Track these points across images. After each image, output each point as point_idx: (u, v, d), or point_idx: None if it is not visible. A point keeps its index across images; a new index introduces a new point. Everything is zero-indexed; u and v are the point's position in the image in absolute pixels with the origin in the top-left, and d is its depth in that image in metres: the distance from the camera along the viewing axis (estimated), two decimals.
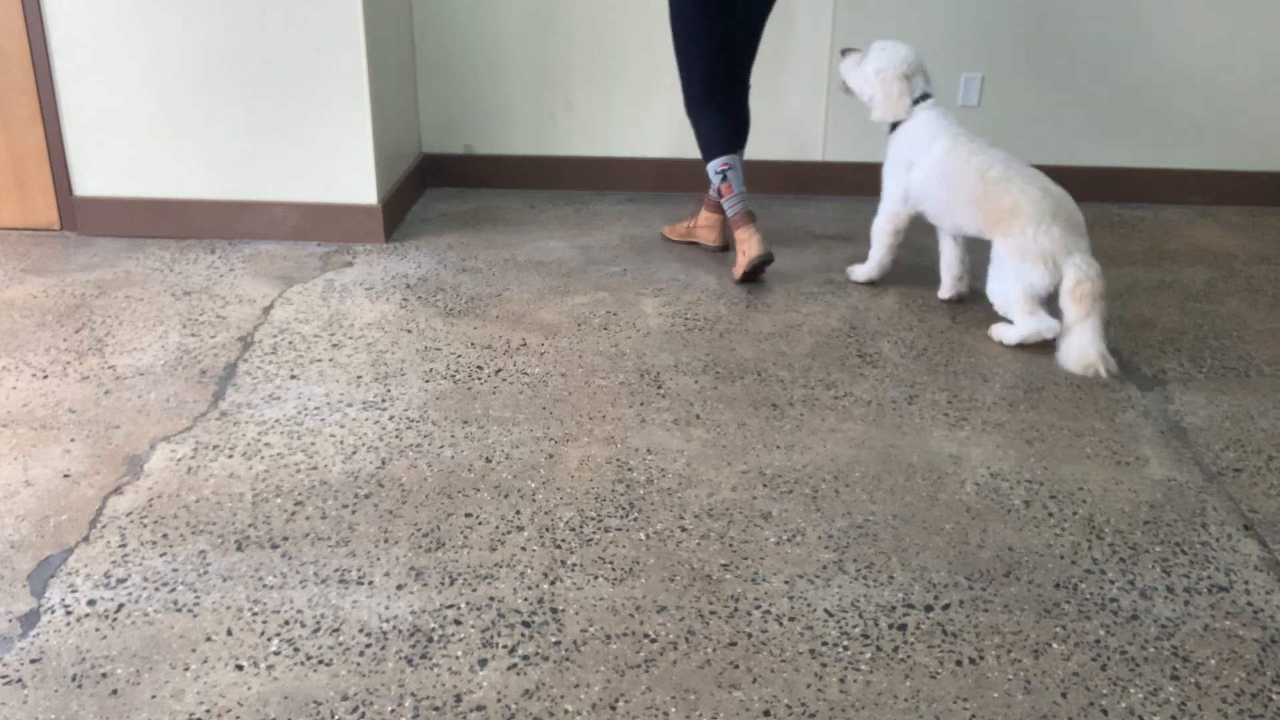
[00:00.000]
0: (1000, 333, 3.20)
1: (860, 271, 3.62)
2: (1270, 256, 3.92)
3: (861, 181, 4.45)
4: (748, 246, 3.52)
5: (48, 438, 2.65)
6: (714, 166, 3.57)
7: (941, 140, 3.28)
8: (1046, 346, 3.17)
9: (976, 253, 3.43)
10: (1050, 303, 3.10)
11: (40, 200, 3.94)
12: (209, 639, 2.01)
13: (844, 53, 3.53)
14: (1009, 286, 3.13)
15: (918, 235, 4.04)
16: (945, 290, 3.51)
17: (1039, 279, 3.06)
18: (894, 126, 3.43)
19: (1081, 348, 3.01)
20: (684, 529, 2.34)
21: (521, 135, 4.48)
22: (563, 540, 2.29)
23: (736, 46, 3.60)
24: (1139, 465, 2.60)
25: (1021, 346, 3.16)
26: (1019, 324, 3.16)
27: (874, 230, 3.56)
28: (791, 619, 2.07)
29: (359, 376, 2.96)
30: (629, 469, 2.55)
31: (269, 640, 2.00)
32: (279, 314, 3.34)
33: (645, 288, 3.56)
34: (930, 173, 3.30)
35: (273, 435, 2.67)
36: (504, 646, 2.00)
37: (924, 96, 3.38)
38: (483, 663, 1.96)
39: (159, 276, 3.61)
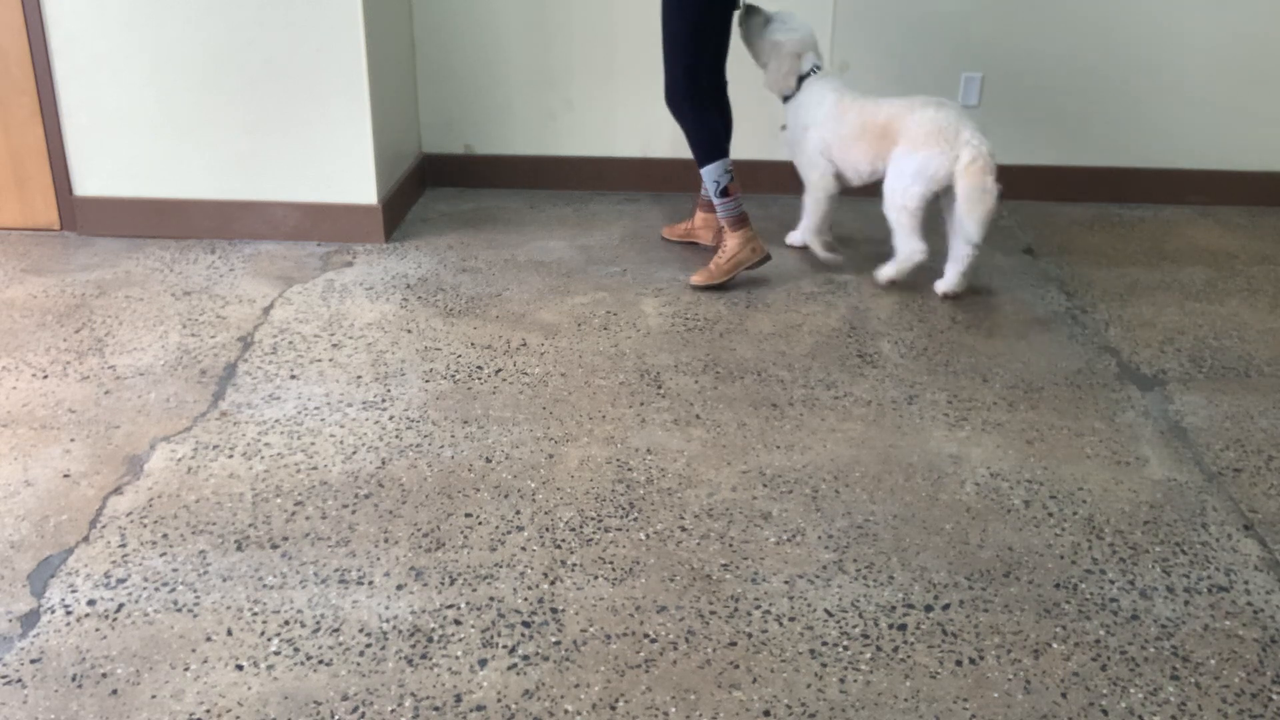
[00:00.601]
0: (883, 273, 3.55)
1: (794, 236, 3.88)
2: (1270, 256, 3.92)
3: None
4: (756, 245, 3.53)
5: (48, 438, 2.65)
6: (724, 165, 3.49)
7: (830, 96, 3.55)
8: (1045, 347, 3.17)
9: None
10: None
11: (40, 200, 3.94)
12: (209, 639, 2.01)
13: (749, 10, 3.61)
14: (910, 181, 3.38)
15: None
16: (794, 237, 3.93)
17: (940, 163, 3.32)
18: (786, 100, 3.68)
19: (975, 197, 3.31)
20: (684, 529, 2.34)
21: (521, 135, 4.48)
22: (563, 540, 2.29)
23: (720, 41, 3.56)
24: (1139, 465, 2.60)
25: (1021, 340, 3.17)
26: (901, 246, 3.47)
27: (807, 199, 3.71)
28: (791, 619, 2.07)
29: (359, 376, 2.96)
30: (629, 469, 2.55)
31: (269, 640, 2.00)
32: (279, 314, 3.34)
33: (645, 288, 3.56)
34: (825, 127, 3.55)
35: (273, 435, 2.67)
36: (504, 646, 2.00)
37: (814, 69, 3.61)
38: (483, 663, 1.96)
39: (159, 276, 3.61)
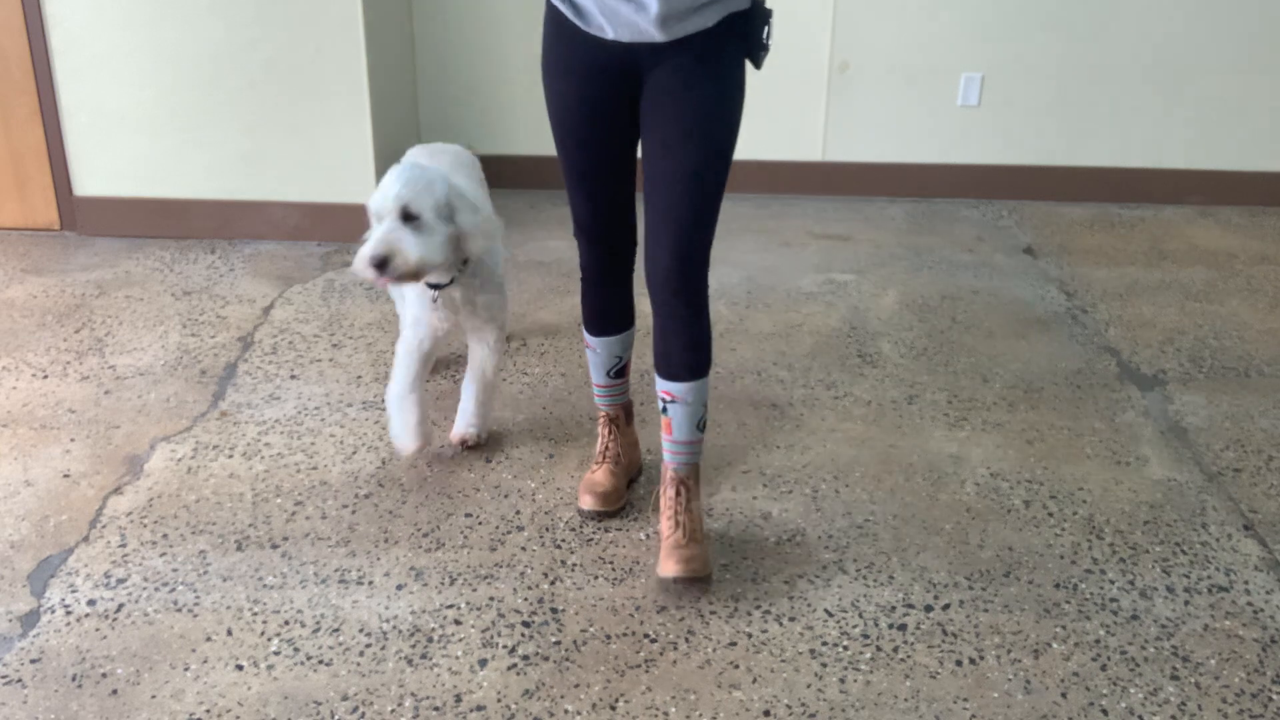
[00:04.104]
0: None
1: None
2: (1270, 256, 3.92)
3: (861, 181, 4.45)
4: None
5: (48, 438, 2.65)
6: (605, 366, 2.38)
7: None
8: (1045, 347, 3.17)
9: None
10: None
11: (40, 200, 3.94)
12: (209, 639, 2.01)
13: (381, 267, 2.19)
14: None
15: (919, 236, 4.04)
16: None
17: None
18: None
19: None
20: None
21: (521, 135, 4.48)
22: (563, 540, 2.29)
23: (660, 181, 2.00)
24: (1139, 465, 2.60)
25: (1021, 340, 3.17)
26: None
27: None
28: (791, 619, 2.07)
29: (359, 376, 2.96)
30: None
31: (269, 640, 2.00)
32: (279, 314, 3.33)
33: (645, 287, 3.55)
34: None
35: (273, 435, 2.67)
36: (504, 646, 2.00)
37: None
38: (483, 663, 1.96)
39: (159, 276, 3.61)
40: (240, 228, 3.93)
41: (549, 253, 3.85)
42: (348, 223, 3.91)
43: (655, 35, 1.91)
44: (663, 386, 2.17)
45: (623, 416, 2.45)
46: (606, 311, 2.31)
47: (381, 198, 2.20)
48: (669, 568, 2.11)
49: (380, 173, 3.88)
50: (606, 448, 2.43)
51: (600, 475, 2.39)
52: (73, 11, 3.68)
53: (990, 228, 4.14)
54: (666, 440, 2.21)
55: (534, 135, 4.48)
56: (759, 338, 3.21)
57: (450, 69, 4.39)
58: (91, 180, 3.91)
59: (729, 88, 1.98)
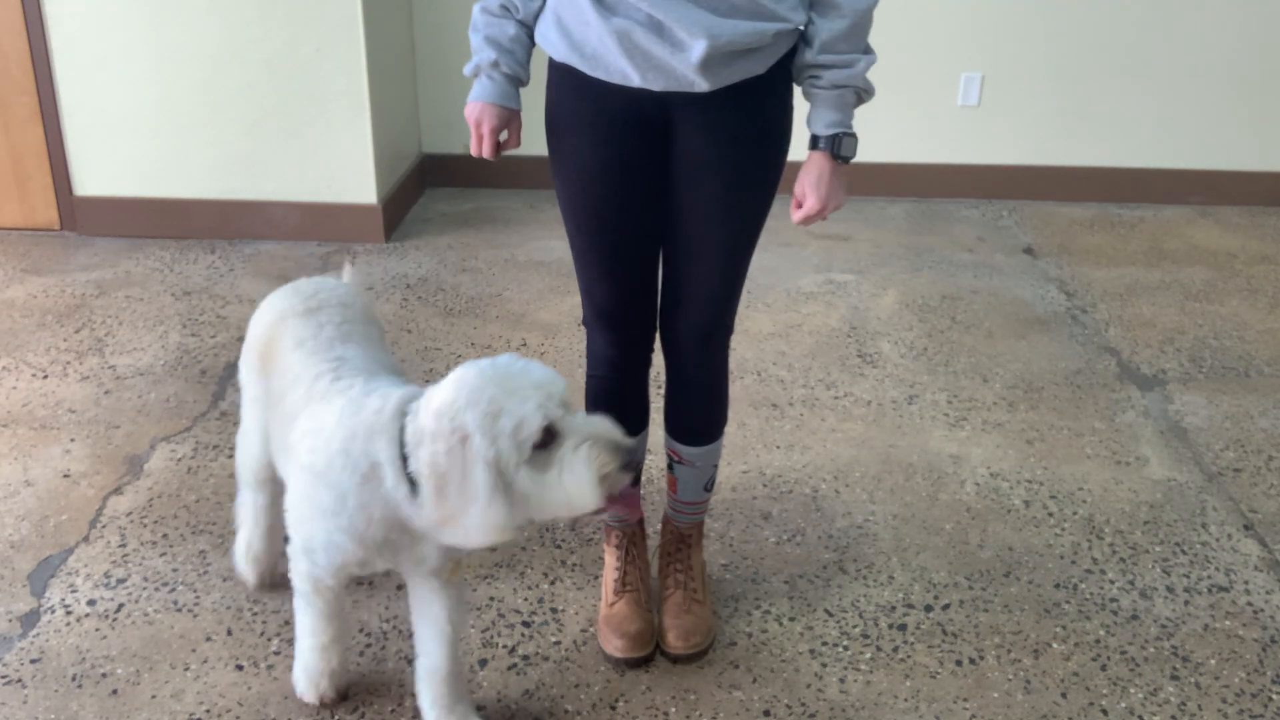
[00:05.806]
0: None
1: None
2: (1270, 256, 3.92)
3: (861, 182, 4.45)
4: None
5: (48, 438, 2.65)
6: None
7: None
8: (1045, 347, 3.17)
9: None
10: None
11: (40, 200, 3.94)
12: (209, 639, 2.01)
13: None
14: None
15: (919, 236, 4.04)
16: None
17: None
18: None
19: None
20: None
21: (522, 134, 4.47)
22: (563, 540, 2.29)
23: (690, 247, 1.82)
24: (1139, 465, 2.60)
25: (1021, 340, 3.17)
26: None
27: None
28: (791, 619, 2.07)
29: None
30: None
31: (269, 640, 2.00)
32: None
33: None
34: None
35: None
36: (504, 646, 2.00)
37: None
38: (483, 663, 1.96)
39: (159, 276, 3.61)
40: (240, 228, 3.93)
41: (549, 252, 3.85)
42: (348, 223, 3.91)
43: (696, 83, 1.60)
44: (671, 445, 1.99)
45: (639, 533, 2.08)
46: (624, 412, 1.77)
47: (542, 396, 1.46)
48: (669, 641, 1.95)
49: (381, 172, 3.88)
50: (625, 575, 2.03)
51: (625, 609, 1.99)
52: (73, 11, 3.68)
53: (990, 228, 4.14)
54: (670, 496, 2.05)
55: (534, 135, 4.47)
56: (759, 338, 3.21)
57: (450, 69, 4.38)
58: (91, 180, 3.91)
59: (775, 149, 1.71)
